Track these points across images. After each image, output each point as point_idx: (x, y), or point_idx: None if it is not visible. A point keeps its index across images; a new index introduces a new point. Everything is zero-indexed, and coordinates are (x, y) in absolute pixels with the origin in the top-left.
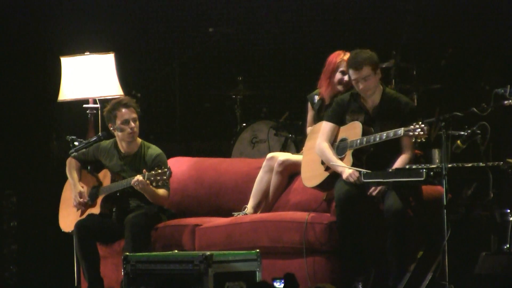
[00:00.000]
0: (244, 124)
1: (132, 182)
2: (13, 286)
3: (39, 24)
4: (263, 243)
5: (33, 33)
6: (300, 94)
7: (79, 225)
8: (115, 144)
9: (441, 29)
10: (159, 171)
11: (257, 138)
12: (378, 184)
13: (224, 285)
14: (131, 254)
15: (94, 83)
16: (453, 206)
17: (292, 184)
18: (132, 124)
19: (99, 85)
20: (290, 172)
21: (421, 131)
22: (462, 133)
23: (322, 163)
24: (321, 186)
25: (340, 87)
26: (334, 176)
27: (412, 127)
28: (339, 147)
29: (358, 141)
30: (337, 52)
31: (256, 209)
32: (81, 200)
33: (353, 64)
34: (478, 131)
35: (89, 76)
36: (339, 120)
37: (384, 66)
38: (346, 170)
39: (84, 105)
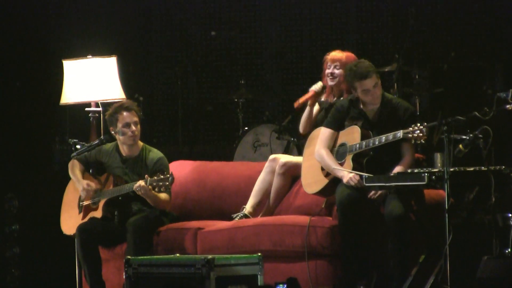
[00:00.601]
0: (246, 128)
1: (134, 188)
2: None
3: (41, 27)
4: (265, 246)
5: (36, 36)
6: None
7: (81, 228)
8: (117, 147)
9: (444, 33)
10: (162, 176)
11: (260, 141)
12: (380, 188)
13: None
14: (133, 257)
15: (97, 87)
16: (455, 210)
17: (294, 187)
18: (133, 127)
19: (101, 89)
20: (292, 174)
21: (420, 132)
22: (464, 137)
23: (322, 169)
24: (322, 192)
25: (330, 81)
26: (334, 181)
27: (411, 129)
28: (338, 152)
29: (358, 146)
30: None
31: (255, 208)
32: (91, 188)
33: (360, 74)
34: (480, 135)
35: (91, 80)
36: (338, 126)
37: (386, 70)
38: (347, 174)
39: (86, 109)
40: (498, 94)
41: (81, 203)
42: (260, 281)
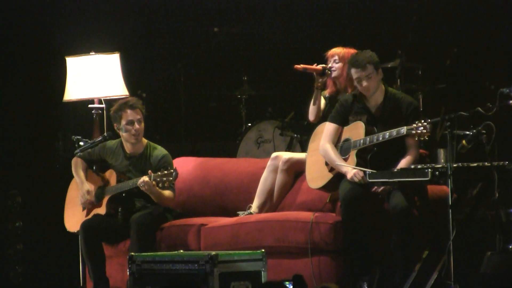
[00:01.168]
0: (249, 124)
1: (138, 183)
2: (18, 286)
3: (44, 24)
4: (269, 243)
5: (38, 33)
6: (306, 94)
7: (85, 225)
8: (121, 144)
9: (446, 28)
10: (165, 172)
11: (263, 138)
12: (383, 184)
13: (229, 285)
14: (136, 254)
15: (100, 83)
16: (459, 206)
17: (297, 184)
18: (137, 125)
19: (104, 85)
20: (295, 170)
21: (423, 129)
22: (468, 132)
23: (326, 164)
24: (326, 187)
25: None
26: (338, 177)
27: (414, 125)
28: (342, 147)
29: (362, 141)
30: None
31: (260, 208)
32: (89, 198)
33: (355, 62)
34: (484, 131)
35: (94, 76)
36: (342, 121)
37: (389, 66)
38: (351, 170)
39: (90, 105)
40: (501, 90)
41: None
42: (263, 278)
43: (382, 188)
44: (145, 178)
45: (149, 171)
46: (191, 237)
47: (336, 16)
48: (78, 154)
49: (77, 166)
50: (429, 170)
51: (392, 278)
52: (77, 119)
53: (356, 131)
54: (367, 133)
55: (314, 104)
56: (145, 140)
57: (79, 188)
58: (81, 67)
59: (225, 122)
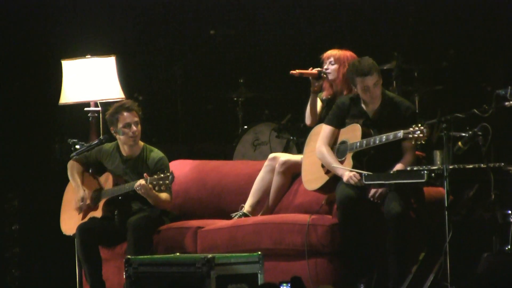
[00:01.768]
0: (246, 126)
1: (135, 186)
2: None
3: (40, 27)
4: (265, 245)
5: (34, 36)
6: (302, 96)
7: (81, 228)
8: (117, 147)
9: (443, 30)
10: (161, 175)
11: (259, 140)
12: (379, 186)
13: (226, 287)
14: (133, 257)
15: (96, 86)
16: (455, 208)
17: (293, 186)
18: (134, 128)
19: (100, 88)
20: (292, 173)
21: (420, 133)
22: (464, 134)
23: (323, 166)
24: (322, 189)
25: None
26: (335, 179)
27: (411, 129)
28: (339, 149)
29: (358, 144)
30: None
31: (254, 207)
32: (83, 203)
33: (361, 71)
34: (480, 133)
35: (90, 79)
36: (339, 123)
37: (385, 68)
38: (347, 172)
39: (86, 108)
40: (497, 91)
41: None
42: (260, 280)
43: (378, 194)
44: (142, 181)
45: (145, 174)
46: (188, 240)
47: (332, 18)
48: (75, 157)
49: (73, 170)
50: (426, 171)
51: (389, 280)
52: (73, 122)
53: (353, 133)
54: (364, 135)
55: (310, 108)
56: (141, 143)
57: (75, 192)
58: (77, 70)
59: (222, 124)
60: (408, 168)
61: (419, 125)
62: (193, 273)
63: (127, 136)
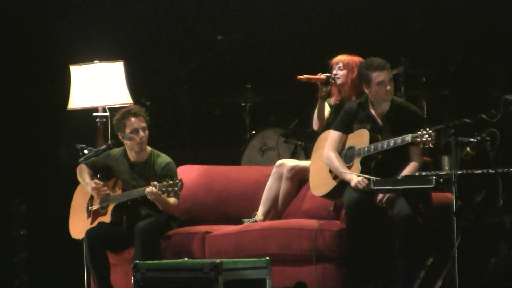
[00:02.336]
0: (253, 132)
1: (146, 192)
2: None
3: (48, 33)
4: (273, 250)
5: (42, 42)
6: (310, 101)
7: (90, 233)
8: (125, 153)
9: (450, 35)
10: (171, 182)
11: (267, 145)
12: (387, 191)
13: None
14: (141, 262)
15: (104, 92)
16: (463, 213)
17: (301, 191)
18: (141, 133)
19: (108, 94)
20: (300, 178)
21: (428, 137)
22: (472, 139)
23: (330, 171)
24: (329, 195)
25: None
26: (342, 184)
27: (419, 133)
28: (346, 155)
29: (366, 149)
30: None
31: (266, 216)
32: (99, 185)
33: (377, 65)
34: (488, 138)
35: (98, 85)
36: (346, 129)
37: (393, 73)
38: (355, 177)
39: (94, 114)
40: (505, 96)
41: (89, 207)
42: (268, 285)
43: (386, 198)
44: (153, 188)
45: (153, 182)
46: (195, 245)
47: (340, 23)
48: (83, 162)
49: (82, 172)
50: (434, 177)
51: (397, 285)
52: (81, 128)
53: (360, 138)
54: (372, 140)
55: (318, 113)
56: (149, 148)
57: (86, 188)
58: (85, 76)
59: (229, 129)
60: (417, 174)
61: (427, 128)
62: (201, 278)
63: (134, 142)
